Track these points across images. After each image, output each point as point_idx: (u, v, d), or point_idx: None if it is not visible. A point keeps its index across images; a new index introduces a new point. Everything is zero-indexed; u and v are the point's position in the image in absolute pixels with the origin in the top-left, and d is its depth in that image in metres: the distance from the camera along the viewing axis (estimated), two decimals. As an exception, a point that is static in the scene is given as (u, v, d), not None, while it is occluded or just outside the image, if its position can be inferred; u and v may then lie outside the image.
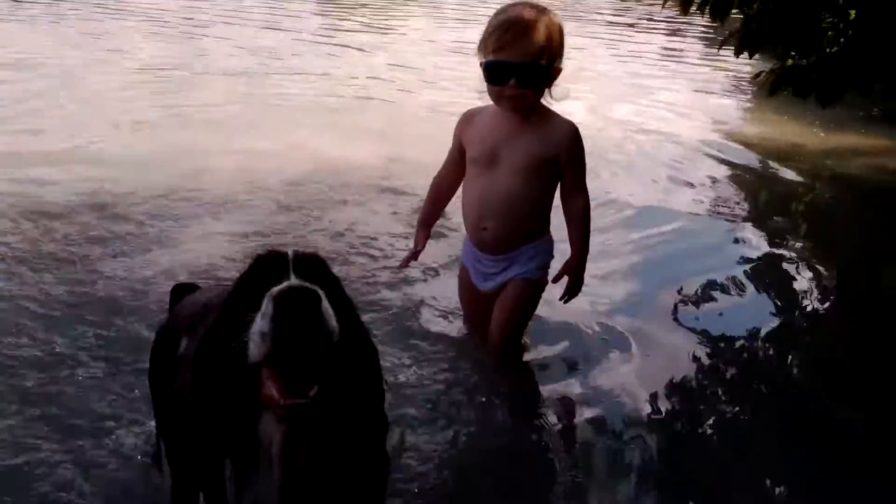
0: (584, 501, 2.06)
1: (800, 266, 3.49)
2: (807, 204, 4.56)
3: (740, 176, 4.79)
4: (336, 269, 1.29)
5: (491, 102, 2.30)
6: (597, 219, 2.64)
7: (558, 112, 2.32)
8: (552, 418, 2.32)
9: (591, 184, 2.41)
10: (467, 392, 2.36)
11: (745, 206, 4.34)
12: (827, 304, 3.22)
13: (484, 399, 2.34)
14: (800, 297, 3.25)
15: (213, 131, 4.89)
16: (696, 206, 4.18)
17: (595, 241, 2.47)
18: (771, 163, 5.04)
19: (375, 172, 4.30)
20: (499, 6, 2.30)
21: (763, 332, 2.93)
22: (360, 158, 4.50)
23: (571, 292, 2.39)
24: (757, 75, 3.49)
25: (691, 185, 4.52)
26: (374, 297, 2.85)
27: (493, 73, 2.19)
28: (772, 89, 3.37)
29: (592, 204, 2.37)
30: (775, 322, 3.02)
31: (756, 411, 2.50)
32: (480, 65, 2.22)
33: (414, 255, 2.50)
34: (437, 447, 2.10)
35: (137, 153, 4.41)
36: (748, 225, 4.00)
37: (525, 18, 2.15)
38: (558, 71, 2.23)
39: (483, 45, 2.20)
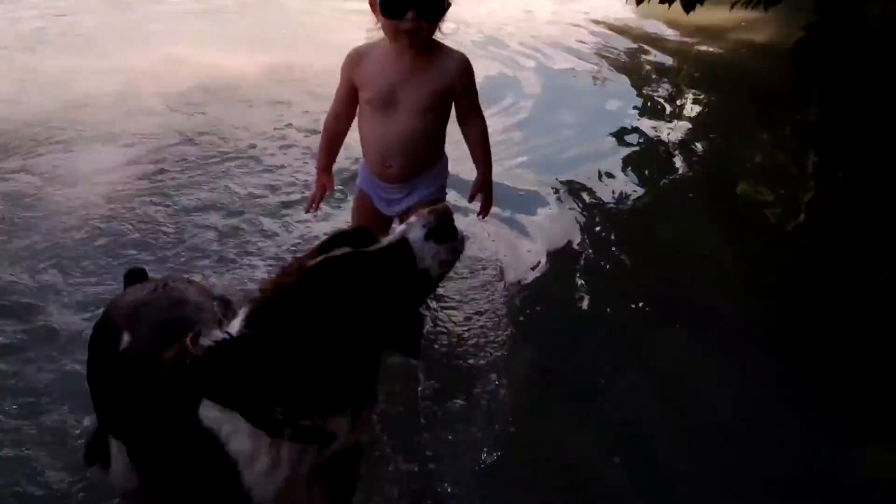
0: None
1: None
2: (674, 83, 4.85)
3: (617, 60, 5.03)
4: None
5: (377, 40, 2.25)
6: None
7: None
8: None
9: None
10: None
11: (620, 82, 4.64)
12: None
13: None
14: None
15: (83, 50, 4.63)
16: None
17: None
18: (643, 45, 5.29)
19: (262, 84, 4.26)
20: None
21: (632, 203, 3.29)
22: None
23: (486, 208, 2.49)
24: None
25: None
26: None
27: (390, 5, 2.09)
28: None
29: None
30: (640, 191, 3.40)
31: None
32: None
33: (320, 196, 2.50)
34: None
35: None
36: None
37: None
38: (448, 3, 2.22)
39: None
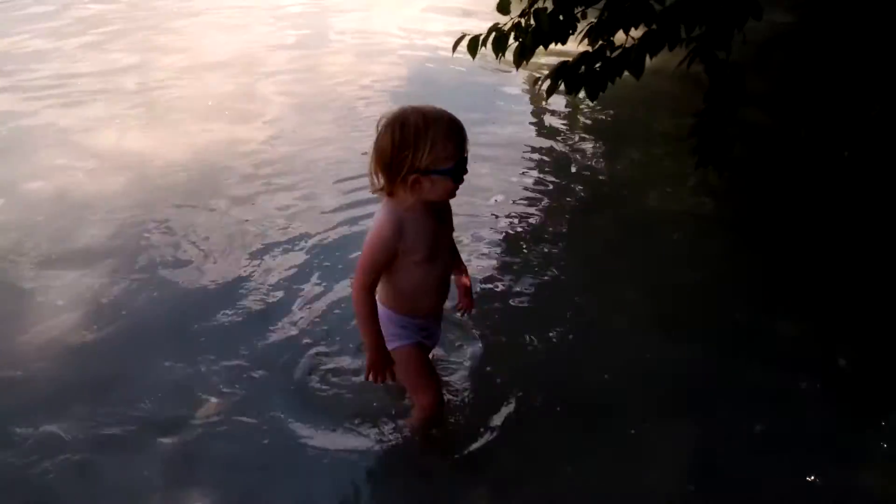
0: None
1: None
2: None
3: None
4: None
5: (394, 206, 2.30)
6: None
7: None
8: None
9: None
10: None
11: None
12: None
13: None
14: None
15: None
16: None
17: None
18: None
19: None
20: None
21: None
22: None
23: (472, 305, 2.73)
24: (535, 81, 3.83)
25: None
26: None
27: (462, 171, 2.26)
28: (549, 91, 3.74)
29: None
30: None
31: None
32: (427, 173, 2.20)
33: (390, 372, 2.48)
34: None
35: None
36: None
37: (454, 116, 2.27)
38: None
39: (436, 151, 2.18)
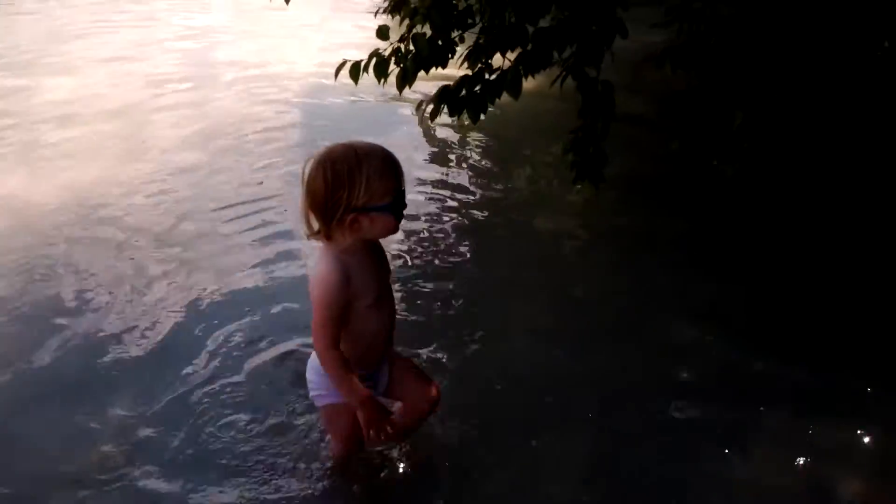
0: None
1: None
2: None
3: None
4: None
5: (334, 250, 2.19)
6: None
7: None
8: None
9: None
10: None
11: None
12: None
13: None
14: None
15: None
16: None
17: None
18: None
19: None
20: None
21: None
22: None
23: None
24: (419, 105, 3.91)
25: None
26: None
27: (403, 207, 2.19)
28: (432, 115, 3.82)
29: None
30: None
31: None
32: (365, 211, 2.10)
33: (389, 423, 2.32)
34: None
35: None
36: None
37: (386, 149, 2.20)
38: None
39: (372, 187, 2.09)
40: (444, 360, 3.18)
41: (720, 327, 3.44)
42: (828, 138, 4.55)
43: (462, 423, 2.82)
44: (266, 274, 3.81)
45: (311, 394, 2.44)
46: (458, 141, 5.77)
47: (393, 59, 3.67)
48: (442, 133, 5.88)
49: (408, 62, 3.74)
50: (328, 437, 2.65)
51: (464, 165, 5.32)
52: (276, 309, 3.49)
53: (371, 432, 2.28)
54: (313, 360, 2.38)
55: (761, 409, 2.95)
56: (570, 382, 3.06)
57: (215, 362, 3.14)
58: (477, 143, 5.69)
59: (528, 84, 3.76)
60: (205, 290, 3.65)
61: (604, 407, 2.94)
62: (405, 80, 3.77)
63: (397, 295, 3.61)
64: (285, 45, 8.44)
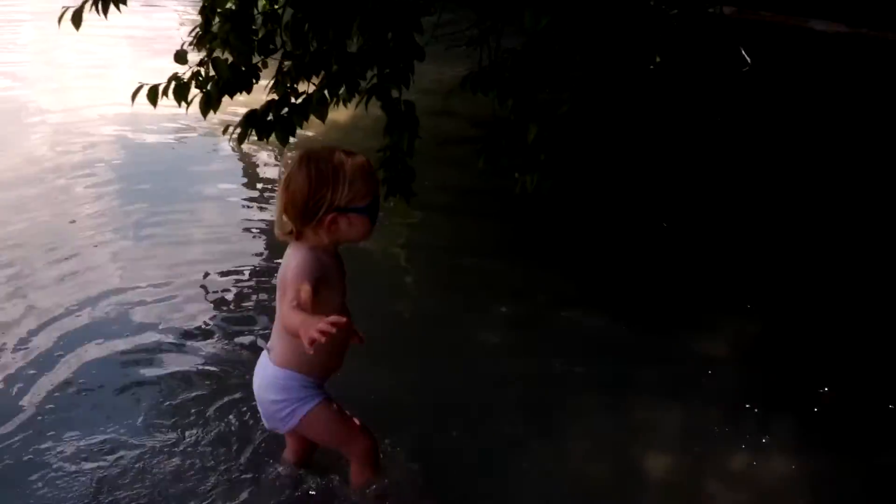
0: None
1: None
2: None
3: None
4: None
5: (307, 246, 2.21)
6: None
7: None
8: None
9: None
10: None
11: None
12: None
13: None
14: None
15: None
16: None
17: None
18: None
19: None
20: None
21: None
22: None
23: None
24: (225, 129, 3.91)
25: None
26: None
27: (377, 210, 2.24)
28: (239, 139, 3.84)
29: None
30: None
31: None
32: (345, 211, 2.15)
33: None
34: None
35: None
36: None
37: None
38: None
39: (355, 188, 2.14)
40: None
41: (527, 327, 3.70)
42: (613, 145, 5.14)
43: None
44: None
45: (283, 413, 2.33)
46: (278, 166, 5.77)
47: (193, 83, 3.67)
48: (262, 158, 5.88)
49: (211, 87, 3.75)
50: (337, 447, 2.52)
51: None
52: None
53: (316, 333, 1.90)
54: (270, 379, 2.31)
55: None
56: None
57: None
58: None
59: (341, 109, 3.86)
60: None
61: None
62: (209, 105, 3.77)
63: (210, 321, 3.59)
64: (93, 85, 8.04)
